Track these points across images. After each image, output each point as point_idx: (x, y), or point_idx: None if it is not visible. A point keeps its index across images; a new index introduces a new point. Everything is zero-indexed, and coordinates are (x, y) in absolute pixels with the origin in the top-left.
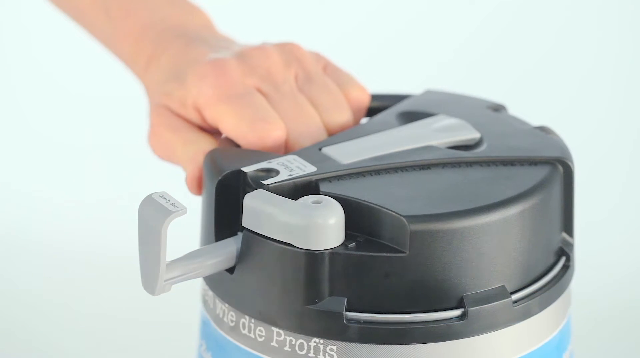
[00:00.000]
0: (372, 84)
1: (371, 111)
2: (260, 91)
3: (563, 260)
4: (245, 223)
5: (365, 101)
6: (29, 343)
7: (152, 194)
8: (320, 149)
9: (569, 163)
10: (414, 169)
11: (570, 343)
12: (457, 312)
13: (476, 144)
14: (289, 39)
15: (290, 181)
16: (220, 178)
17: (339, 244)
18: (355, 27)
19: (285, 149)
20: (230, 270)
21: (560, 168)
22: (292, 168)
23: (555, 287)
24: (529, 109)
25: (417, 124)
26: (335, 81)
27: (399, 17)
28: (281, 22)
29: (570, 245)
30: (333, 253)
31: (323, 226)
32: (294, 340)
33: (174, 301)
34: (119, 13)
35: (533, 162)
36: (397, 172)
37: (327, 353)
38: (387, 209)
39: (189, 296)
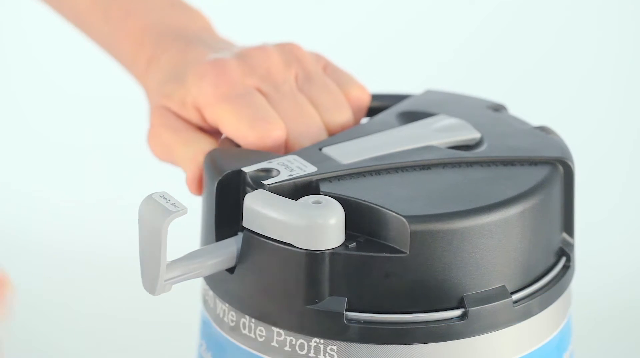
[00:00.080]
0: (372, 84)
1: (371, 111)
2: (260, 91)
3: (563, 260)
4: (246, 223)
5: (365, 101)
6: (29, 343)
7: (152, 194)
8: (320, 149)
9: (569, 163)
10: (415, 170)
11: (571, 343)
12: (457, 312)
13: (476, 144)
14: (289, 39)
15: (291, 181)
16: (220, 178)
17: (339, 244)
18: (355, 27)
19: (286, 149)
20: (231, 270)
21: (561, 168)
22: (293, 168)
23: (555, 287)
24: (529, 109)
25: (418, 124)
26: (335, 80)
27: (399, 17)
28: (281, 22)
29: (571, 245)
30: (333, 253)
31: (323, 226)
32: (294, 340)
33: (174, 301)
34: (118, 16)
35: (533, 162)
36: (397, 172)
37: (327, 354)
38: (387, 209)
39: (189, 296)
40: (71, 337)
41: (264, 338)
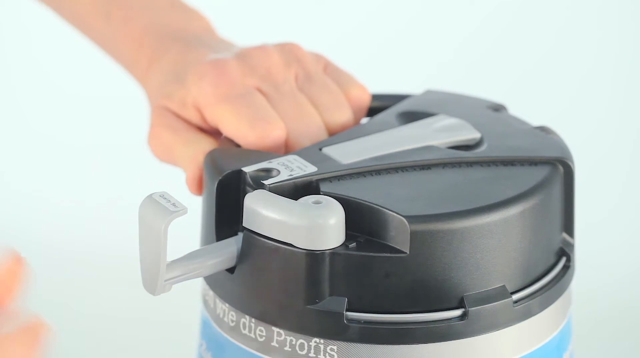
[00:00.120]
0: (372, 84)
1: (371, 111)
2: (260, 91)
3: (563, 260)
4: (246, 223)
5: (365, 101)
6: None
7: (152, 194)
8: (320, 149)
9: (569, 163)
10: (415, 170)
11: (571, 343)
12: (457, 312)
13: (476, 144)
14: (289, 39)
15: (291, 181)
16: (220, 177)
17: (339, 244)
18: (355, 27)
19: (286, 149)
20: (231, 270)
21: (561, 168)
22: (293, 168)
23: (555, 287)
24: (529, 109)
25: (418, 124)
26: (335, 80)
27: (399, 17)
28: (281, 22)
29: (571, 245)
30: (333, 253)
31: (323, 226)
32: (294, 340)
33: (174, 301)
34: (118, 17)
35: (533, 162)
36: (397, 172)
37: (327, 353)
38: (387, 209)
39: (189, 296)
40: (71, 337)
41: (264, 338)
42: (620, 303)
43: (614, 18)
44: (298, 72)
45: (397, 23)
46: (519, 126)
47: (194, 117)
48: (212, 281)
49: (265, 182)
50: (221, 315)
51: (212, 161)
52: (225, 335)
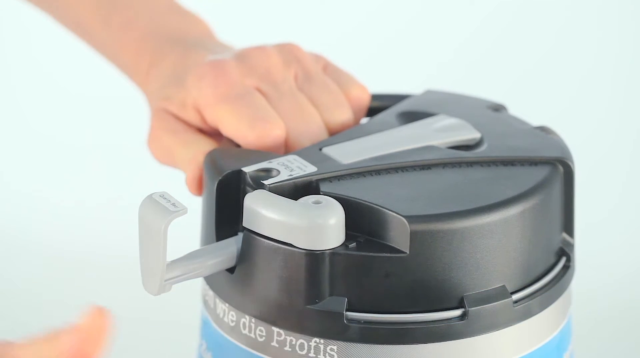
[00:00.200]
0: (372, 84)
1: (371, 111)
2: (259, 91)
3: (563, 260)
4: (246, 223)
5: (365, 100)
6: None
7: (152, 194)
8: (320, 149)
9: (569, 163)
10: (415, 170)
11: (571, 343)
12: (457, 312)
13: (476, 144)
14: (289, 39)
15: (291, 181)
16: (220, 178)
17: (339, 244)
18: (355, 27)
19: (286, 149)
20: (231, 270)
21: (561, 168)
22: (293, 168)
23: (555, 287)
24: (529, 109)
25: (418, 124)
26: (335, 80)
27: (399, 17)
28: (281, 22)
29: (571, 245)
30: (333, 253)
31: (323, 226)
32: (294, 340)
33: (174, 301)
34: (118, 23)
35: (533, 162)
36: (397, 172)
37: (327, 353)
38: (387, 209)
39: (189, 296)
40: None
41: (264, 338)
42: (620, 303)
43: (614, 18)
44: (297, 72)
45: (397, 23)
46: (519, 126)
47: (194, 119)
48: (212, 281)
49: (265, 182)
50: (221, 315)
51: (212, 161)
52: (225, 335)
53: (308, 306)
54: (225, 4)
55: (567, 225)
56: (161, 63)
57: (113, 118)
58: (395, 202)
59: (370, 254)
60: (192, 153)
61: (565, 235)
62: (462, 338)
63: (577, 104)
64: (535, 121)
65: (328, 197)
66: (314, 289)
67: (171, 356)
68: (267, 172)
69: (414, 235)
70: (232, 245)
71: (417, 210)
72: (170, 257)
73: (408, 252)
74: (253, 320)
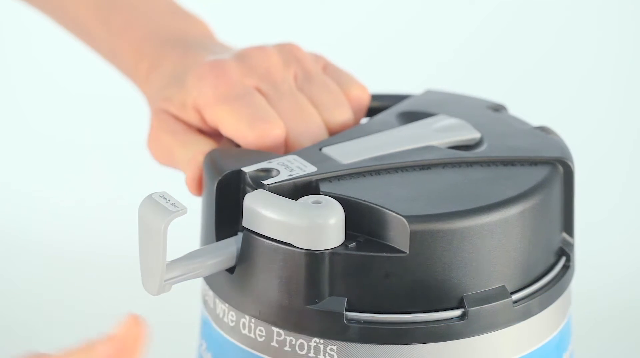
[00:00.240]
0: (372, 84)
1: (371, 111)
2: (259, 91)
3: (563, 260)
4: (246, 223)
5: (365, 100)
6: (29, 343)
7: (152, 194)
8: (320, 149)
9: (569, 163)
10: (415, 169)
11: (571, 343)
12: (457, 312)
13: (476, 144)
14: (289, 39)
15: (291, 181)
16: (220, 177)
17: (339, 244)
18: (355, 27)
19: (286, 149)
20: (231, 270)
21: (561, 168)
22: (292, 168)
23: (555, 287)
24: (529, 109)
25: (418, 124)
26: (335, 80)
27: (399, 17)
28: (281, 22)
29: (571, 245)
30: (333, 253)
31: (323, 226)
32: (294, 340)
33: (174, 301)
34: (118, 25)
35: (533, 162)
36: (397, 172)
37: (327, 353)
38: (387, 209)
39: (189, 296)
40: (71, 337)
41: (263, 338)
42: (620, 303)
43: (614, 18)
44: (297, 72)
45: (397, 23)
46: (519, 126)
47: (194, 119)
48: (212, 281)
49: (265, 182)
50: (221, 315)
51: (211, 161)
52: (225, 335)
53: (308, 307)
54: (225, 4)
55: (567, 225)
56: (161, 64)
57: (113, 118)
58: (395, 202)
59: (370, 254)
60: (191, 153)
61: (565, 235)
62: (462, 338)
63: (577, 104)
64: (535, 121)
65: (328, 197)
66: (313, 289)
67: (171, 356)
68: (267, 172)
69: (413, 235)
70: (232, 245)
71: (417, 210)
72: (170, 257)
73: (408, 252)
74: (253, 320)
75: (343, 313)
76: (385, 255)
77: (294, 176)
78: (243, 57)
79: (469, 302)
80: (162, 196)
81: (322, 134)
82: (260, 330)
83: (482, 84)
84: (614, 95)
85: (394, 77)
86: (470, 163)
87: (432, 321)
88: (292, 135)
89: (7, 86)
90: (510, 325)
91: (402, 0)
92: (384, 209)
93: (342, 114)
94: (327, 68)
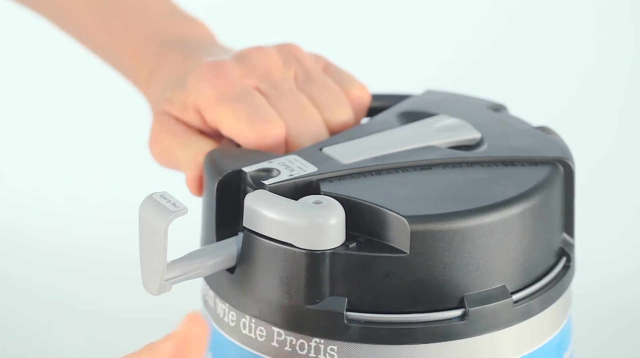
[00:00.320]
0: (372, 84)
1: (372, 111)
2: (259, 91)
3: (564, 260)
4: (246, 223)
5: (366, 100)
6: (29, 343)
7: (152, 194)
8: (321, 149)
9: (570, 163)
10: (415, 170)
11: (571, 343)
12: (457, 312)
13: (477, 144)
14: (289, 39)
15: (291, 181)
16: (221, 177)
17: (339, 244)
18: (355, 27)
19: (286, 148)
20: (231, 270)
21: (561, 168)
22: (293, 167)
23: (555, 287)
24: (529, 109)
25: (418, 124)
26: (335, 80)
27: (399, 17)
28: (281, 22)
29: (571, 245)
30: (334, 253)
31: (324, 226)
32: (294, 340)
33: (174, 301)
34: (119, 28)
35: (534, 162)
36: (398, 172)
37: (327, 353)
38: (388, 209)
39: (189, 296)
40: (71, 337)
41: (264, 338)
42: (620, 303)
43: (614, 18)
44: (297, 72)
45: (397, 23)
46: (519, 126)
47: (195, 120)
48: (212, 281)
49: (266, 182)
50: (221, 315)
51: (212, 161)
52: (225, 335)
53: (308, 306)
54: (225, 4)
55: (568, 225)
56: (162, 67)
57: (113, 118)
58: (396, 202)
59: (371, 254)
60: (192, 154)
61: (565, 235)
62: (463, 338)
63: (577, 104)
64: (535, 121)
65: (328, 197)
66: (314, 289)
67: None
68: (268, 172)
69: (414, 235)
70: (232, 245)
71: (418, 210)
72: (170, 257)
73: (408, 252)
74: (253, 320)
75: (343, 313)
76: (386, 255)
77: (295, 176)
78: (243, 57)
79: (469, 302)
80: (163, 196)
81: (323, 134)
82: (260, 330)
83: (482, 84)
84: (614, 95)
85: (394, 77)
86: (470, 163)
87: (432, 321)
88: (292, 135)
89: (7, 86)
90: (511, 325)
91: (402, 0)
92: (385, 210)
93: (343, 114)
94: (328, 68)
